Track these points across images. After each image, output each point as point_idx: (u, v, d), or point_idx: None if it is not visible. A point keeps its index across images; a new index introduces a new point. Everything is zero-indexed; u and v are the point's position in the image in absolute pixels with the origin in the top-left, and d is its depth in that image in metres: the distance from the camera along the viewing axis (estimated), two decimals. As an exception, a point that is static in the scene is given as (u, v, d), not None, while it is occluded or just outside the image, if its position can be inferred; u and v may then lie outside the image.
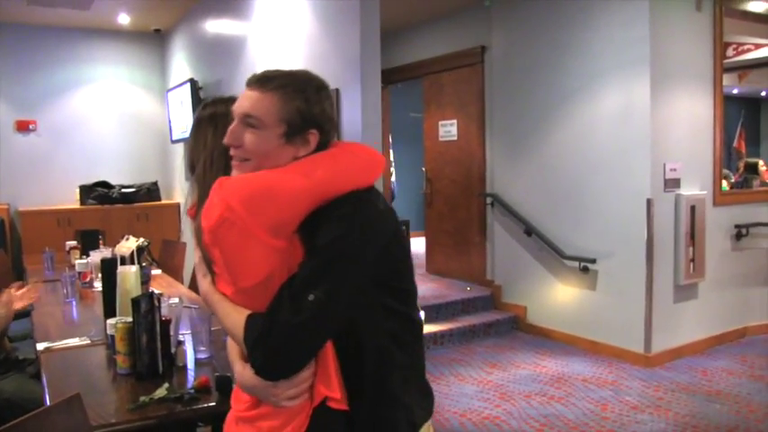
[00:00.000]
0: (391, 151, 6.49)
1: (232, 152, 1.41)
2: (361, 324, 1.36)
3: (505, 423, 4.03)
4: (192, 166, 1.61)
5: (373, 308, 1.38)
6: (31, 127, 7.99)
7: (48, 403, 2.06)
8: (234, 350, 1.44)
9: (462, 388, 4.64)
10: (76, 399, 1.80)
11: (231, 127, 1.40)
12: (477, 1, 6.44)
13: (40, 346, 2.77)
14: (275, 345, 1.27)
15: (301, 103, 1.37)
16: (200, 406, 2.04)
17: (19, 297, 3.09)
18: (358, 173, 1.38)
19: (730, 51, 7.95)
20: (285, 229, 1.30)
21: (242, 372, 1.39)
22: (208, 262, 1.42)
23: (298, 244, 1.33)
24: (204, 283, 1.45)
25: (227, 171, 1.46)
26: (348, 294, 1.31)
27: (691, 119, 5.22)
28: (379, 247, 1.35)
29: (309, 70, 1.46)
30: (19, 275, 5.82)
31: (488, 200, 6.50)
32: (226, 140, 1.41)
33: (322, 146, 1.42)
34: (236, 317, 1.34)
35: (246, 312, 1.33)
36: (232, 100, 1.51)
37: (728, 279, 5.56)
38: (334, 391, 1.34)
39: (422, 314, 1.52)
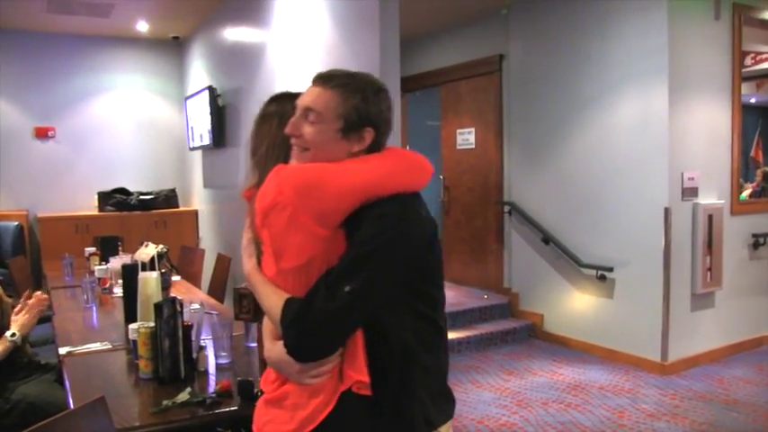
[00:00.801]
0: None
1: (293, 141, 1.50)
2: (389, 320, 1.44)
3: (522, 430, 4.03)
4: (253, 152, 1.69)
5: (402, 307, 1.45)
6: (49, 134, 8.07)
7: (71, 407, 2.09)
8: (267, 328, 1.53)
9: (479, 395, 4.64)
10: (101, 402, 1.83)
11: (293, 118, 1.50)
12: (495, 10, 6.46)
13: (63, 351, 2.81)
14: (308, 328, 1.36)
15: (359, 101, 1.46)
16: (222, 410, 2.06)
17: (27, 309, 3.08)
18: (406, 177, 1.45)
19: (748, 60, 7.92)
20: (330, 219, 1.38)
21: (271, 348, 1.49)
22: (257, 243, 1.51)
23: (341, 237, 1.40)
24: (249, 263, 1.54)
25: (285, 159, 1.55)
26: (381, 290, 1.39)
27: (708, 128, 5.21)
28: (414, 250, 1.42)
29: (371, 73, 1.54)
30: (38, 281, 5.89)
31: (506, 208, 6.50)
32: (287, 130, 1.50)
33: (376, 145, 1.50)
34: (275, 298, 1.42)
35: (285, 296, 1.41)
36: (297, 96, 1.58)
37: (745, 288, 5.52)
38: (362, 375, 1.42)
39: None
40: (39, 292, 3.18)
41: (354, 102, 1.45)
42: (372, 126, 1.47)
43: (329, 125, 1.45)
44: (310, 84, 1.52)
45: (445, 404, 1.57)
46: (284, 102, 1.70)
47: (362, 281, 1.35)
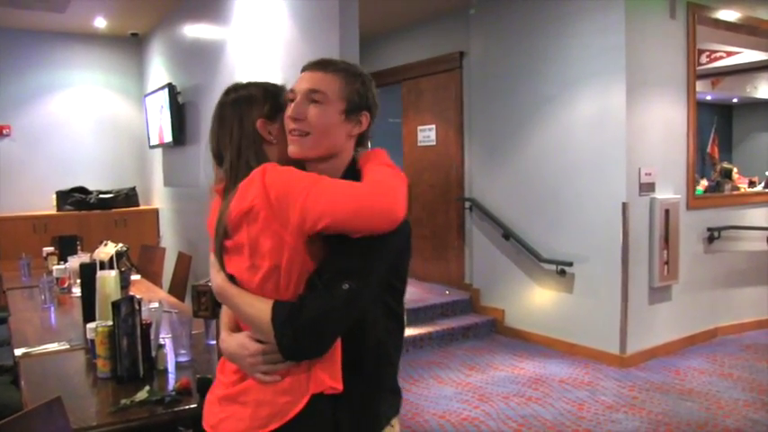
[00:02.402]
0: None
1: (293, 126, 1.49)
2: (367, 318, 1.46)
3: (484, 424, 4.08)
4: (218, 155, 1.59)
5: (376, 303, 1.48)
6: (5, 132, 7.89)
7: (26, 408, 2.06)
8: (224, 318, 1.56)
9: (441, 390, 4.67)
10: (57, 402, 1.81)
11: (295, 102, 1.49)
12: (456, 7, 6.51)
13: (18, 352, 2.77)
14: (305, 325, 1.35)
15: (360, 85, 1.52)
16: (181, 408, 2.06)
17: None
18: (379, 220, 1.37)
19: (703, 59, 8.11)
20: (303, 234, 1.37)
21: (226, 338, 1.51)
22: (219, 251, 1.49)
23: (319, 243, 1.40)
24: (218, 277, 1.51)
25: (258, 157, 1.51)
26: (376, 286, 1.44)
27: (665, 124, 5.32)
28: (402, 247, 1.49)
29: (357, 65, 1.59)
30: (-6, 282, 5.76)
31: (467, 204, 6.56)
32: (291, 113, 1.48)
33: (368, 133, 1.56)
34: (259, 304, 1.41)
35: (269, 300, 1.40)
36: (253, 85, 1.59)
37: (701, 281, 5.66)
38: (337, 383, 1.42)
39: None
40: None
41: (356, 85, 1.51)
42: (368, 110, 1.54)
43: (333, 106, 1.48)
44: (304, 71, 1.54)
45: (397, 398, 1.61)
46: (241, 92, 1.60)
47: (362, 278, 1.37)
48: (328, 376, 1.41)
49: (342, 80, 1.50)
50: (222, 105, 1.61)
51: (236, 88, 1.62)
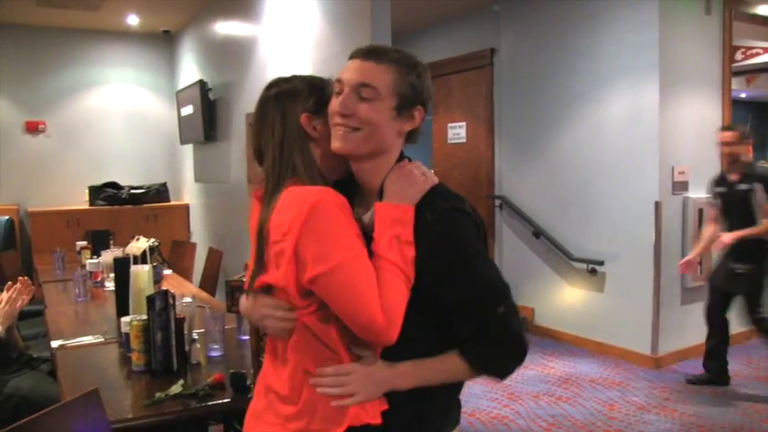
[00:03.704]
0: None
1: (340, 120, 1.37)
2: (414, 333, 1.38)
3: (514, 423, 4.05)
4: (259, 153, 1.51)
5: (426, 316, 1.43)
6: (40, 128, 8.03)
7: (64, 400, 2.09)
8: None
9: (471, 388, 4.65)
10: (94, 394, 1.83)
11: (344, 95, 1.37)
12: (486, 4, 6.47)
13: (55, 344, 2.81)
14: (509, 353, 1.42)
15: (415, 78, 1.38)
16: (214, 402, 2.07)
17: (7, 301, 3.04)
18: (362, 330, 1.32)
19: (739, 55, 7.95)
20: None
21: (242, 301, 1.51)
22: (260, 259, 1.42)
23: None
24: (386, 371, 1.38)
25: (303, 153, 1.43)
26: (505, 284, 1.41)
27: (699, 122, 5.24)
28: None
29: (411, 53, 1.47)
30: (29, 275, 5.86)
31: (497, 202, 6.52)
32: (339, 109, 1.37)
33: (420, 128, 1.44)
34: (448, 364, 1.39)
35: (449, 357, 1.38)
36: (297, 79, 1.51)
37: (736, 282, 5.55)
38: (375, 418, 1.35)
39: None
40: (21, 278, 3.12)
41: (411, 78, 1.37)
42: (422, 104, 1.41)
43: (385, 102, 1.36)
44: (353, 58, 1.40)
45: (455, 412, 1.52)
46: (283, 86, 1.51)
47: (508, 299, 1.38)
48: (365, 414, 1.34)
49: (395, 73, 1.36)
50: (264, 101, 1.50)
51: (278, 83, 1.52)
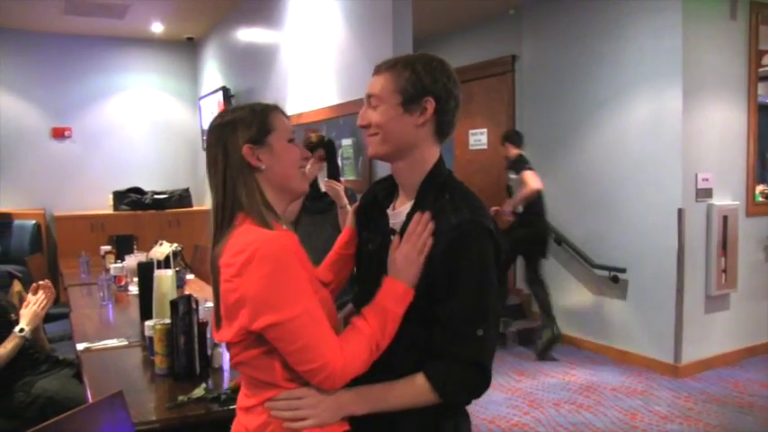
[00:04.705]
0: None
1: (365, 132, 1.52)
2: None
3: (534, 430, 4.03)
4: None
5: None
6: (66, 134, 8.15)
7: (90, 401, 2.12)
8: None
9: (491, 395, 4.63)
10: (119, 396, 1.86)
11: (361, 110, 1.51)
12: (507, 10, 6.46)
13: (80, 347, 2.84)
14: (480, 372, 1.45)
15: (410, 74, 1.45)
16: (235, 406, 2.08)
17: (34, 302, 3.09)
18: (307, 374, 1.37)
19: (765, 60, 7.85)
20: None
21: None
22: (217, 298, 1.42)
23: None
24: (344, 396, 1.41)
25: (247, 185, 1.43)
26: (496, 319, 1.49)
27: (723, 128, 5.18)
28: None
29: (426, 53, 1.53)
30: (55, 279, 5.95)
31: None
32: (358, 122, 1.52)
33: (443, 115, 1.48)
34: (409, 385, 1.41)
35: (412, 378, 1.41)
36: (240, 108, 1.50)
37: (761, 290, 5.49)
38: (344, 425, 1.41)
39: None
40: (43, 281, 3.17)
41: (405, 75, 1.45)
42: (431, 95, 1.45)
43: (389, 103, 1.46)
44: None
45: (465, 426, 1.57)
46: (215, 120, 1.51)
47: (488, 322, 1.42)
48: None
49: (391, 75, 1.47)
50: (208, 133, 1.50)
51: (222, 114, 1.52)
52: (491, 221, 1.45)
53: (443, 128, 1.49)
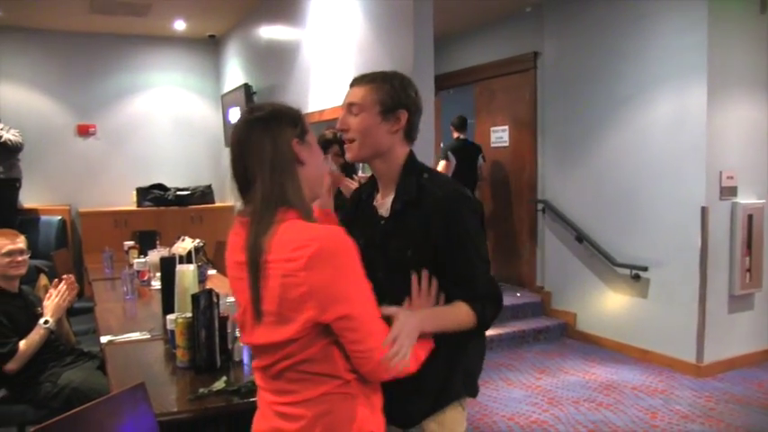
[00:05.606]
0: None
1: (344, 137, 1.79)
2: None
3: (553, 428, 4.02)
4: (242, 177, 1.47)
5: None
6: (91, 131, 8.25)
7: (113, 392, 2.16)
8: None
9: (510, 392, 4.63)
10: (141, 388, 1.89)
11: (341, 116, 1.77)
12: (524, 8, 6.44)
13: (104, 340, 2.90)
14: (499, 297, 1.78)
15: (389, 88, 1.75)
16: (255, 399, 2.10)
17: (57, 294, 3.17)
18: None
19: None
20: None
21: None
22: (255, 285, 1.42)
23: None
24: (413, 319, 1.56)
25: (293, 178, 1.44)
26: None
27: (749, 126, 5.12)
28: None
29: (397, 72, 1.83)
30: (80, 273, 6.04)
31: (539, 206, 6.48)
32: (337, 126, 1.78)
33: (410, 126, 1.78)
34: (458, 310, 1.69)
35: (458, 305, 1.69)
36: (275, 105, 1.51)
37: (786, 290, 5.42)
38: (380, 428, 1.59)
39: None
40: (66, 276, 3.25)
41: (386, 88, 1.74)
42: (405, 108, 1.75)
43: (369, 111, 1.73)
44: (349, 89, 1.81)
45: (475, 382, 1.94)
46: (258, 113, 1.50)
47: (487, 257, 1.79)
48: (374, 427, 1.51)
49: (371, 88, 1.74)
50: (248, 124, 1.47)
51: (260, 107, 1.51)
52: (468, 191, 1.78)
53: (411, 133, 1.81)
